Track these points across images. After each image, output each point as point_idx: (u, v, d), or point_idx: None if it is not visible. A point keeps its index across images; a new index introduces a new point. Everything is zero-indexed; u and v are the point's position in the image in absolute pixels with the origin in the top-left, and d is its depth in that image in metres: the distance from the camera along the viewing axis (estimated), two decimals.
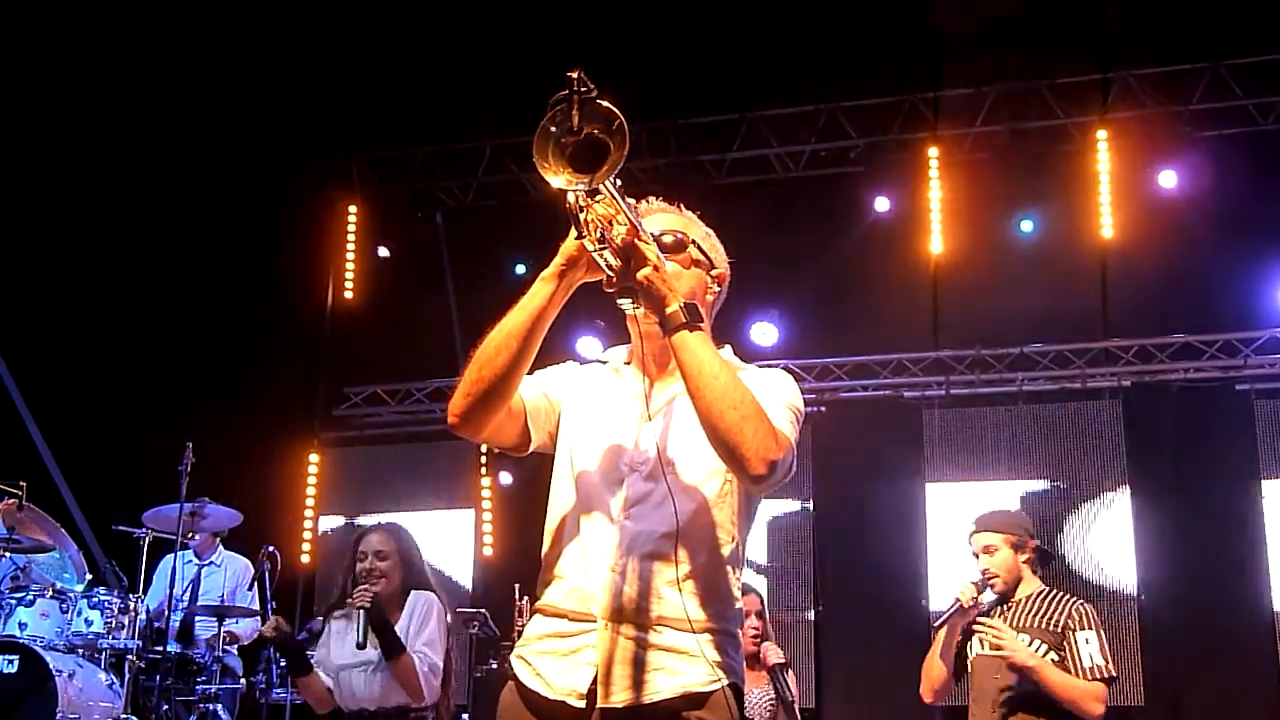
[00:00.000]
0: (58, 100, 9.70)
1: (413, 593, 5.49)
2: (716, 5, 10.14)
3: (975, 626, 5.26)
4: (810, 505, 10.60)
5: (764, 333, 10.28)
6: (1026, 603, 5.26)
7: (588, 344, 9.76)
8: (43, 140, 9.55)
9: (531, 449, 3.06)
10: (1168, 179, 10.33)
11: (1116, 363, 10.69)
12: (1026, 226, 10.82)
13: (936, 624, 5.54)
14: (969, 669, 5.35)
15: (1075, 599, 5.24)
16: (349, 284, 12.20)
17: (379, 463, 12.21)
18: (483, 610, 9.46)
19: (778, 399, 2.86)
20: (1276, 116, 10.36)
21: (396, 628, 5.27)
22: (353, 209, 12.28)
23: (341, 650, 5.31)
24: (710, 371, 2.68)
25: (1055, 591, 5.30)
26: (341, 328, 12.14)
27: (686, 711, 2.77)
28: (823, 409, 10.51)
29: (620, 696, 2.76)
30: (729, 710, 2.80)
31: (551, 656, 2.85)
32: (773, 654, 6.42)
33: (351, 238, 12.23)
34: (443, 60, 10.56)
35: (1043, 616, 5.17)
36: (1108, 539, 10.24)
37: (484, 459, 11.69)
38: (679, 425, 2.90)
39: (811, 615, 10.57)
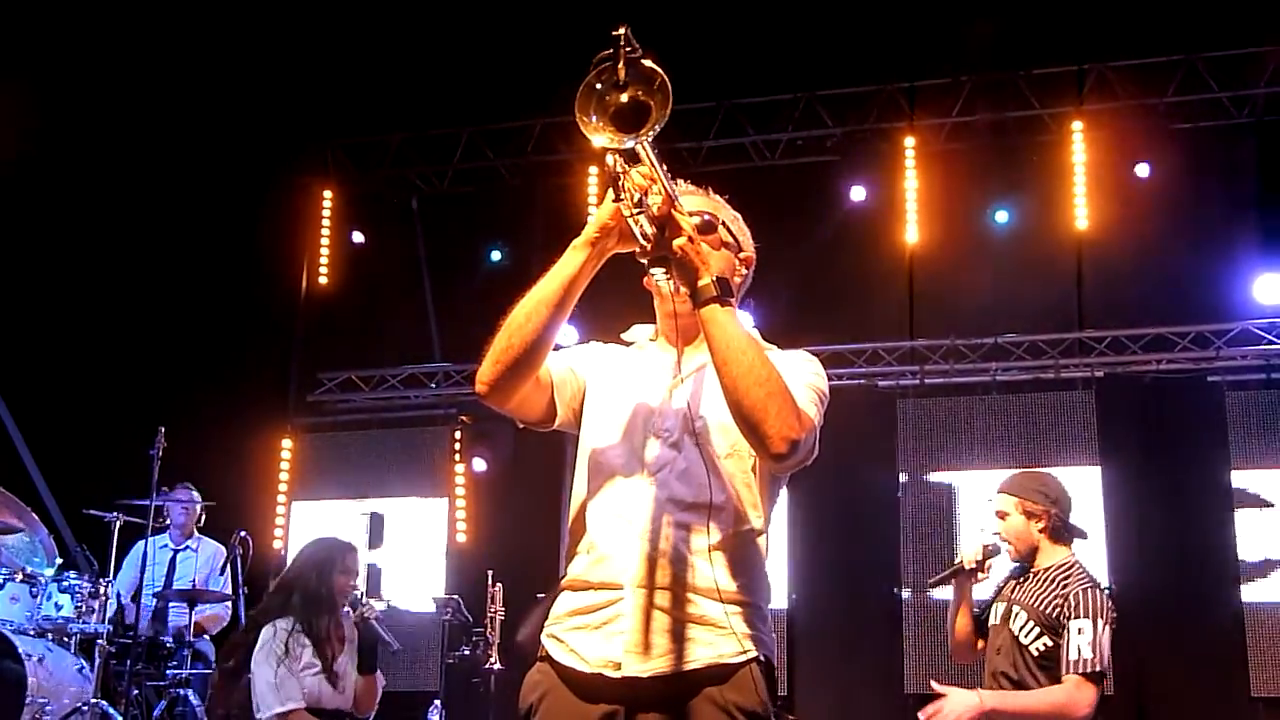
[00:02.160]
0: (23, 84, 9.62)
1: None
2: None
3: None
4: (783, 493, 10.60)
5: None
6: (1042, 576, 4.95)
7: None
8: (10, 126, 9.48)
9: (556, 424, 3.03)
10: (1142, 171, 10.37)
11: (1090, 353, 10.73)
12: (1002, 217, 10.85)
13: (931, 583, 5.39)
14: (987, 631, 5.14)
15: (1086, 582, 4.85)
16: (323, 269, 12.17)
17: (352, 448, 12.17)
18: (456, 597, 9.44)
19: (802, 380, 2.88)
20: (1251, 110, 10.43)
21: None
22: (328, 194, 12.24)
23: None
24: (738, 347, 2.68)
25: (1073, 570, 4.93)
26: (316, 313, 12.11)
27: (710, 687, 2.76)
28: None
29: (649, 665, 2.75)
30: (754, 687, 2.79)
31: (583, 631, 2.83)
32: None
33: (326, 223, 12.20)
34: (419, 46, 10.52)
35: (1045, 596, 4.86)
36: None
37: (458, 445, 11.66)
38: (708, 397, 2.89)
39: (784, 604, 10.59)
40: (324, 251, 12.17)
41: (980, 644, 5.26)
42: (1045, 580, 4.94)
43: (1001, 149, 10.87)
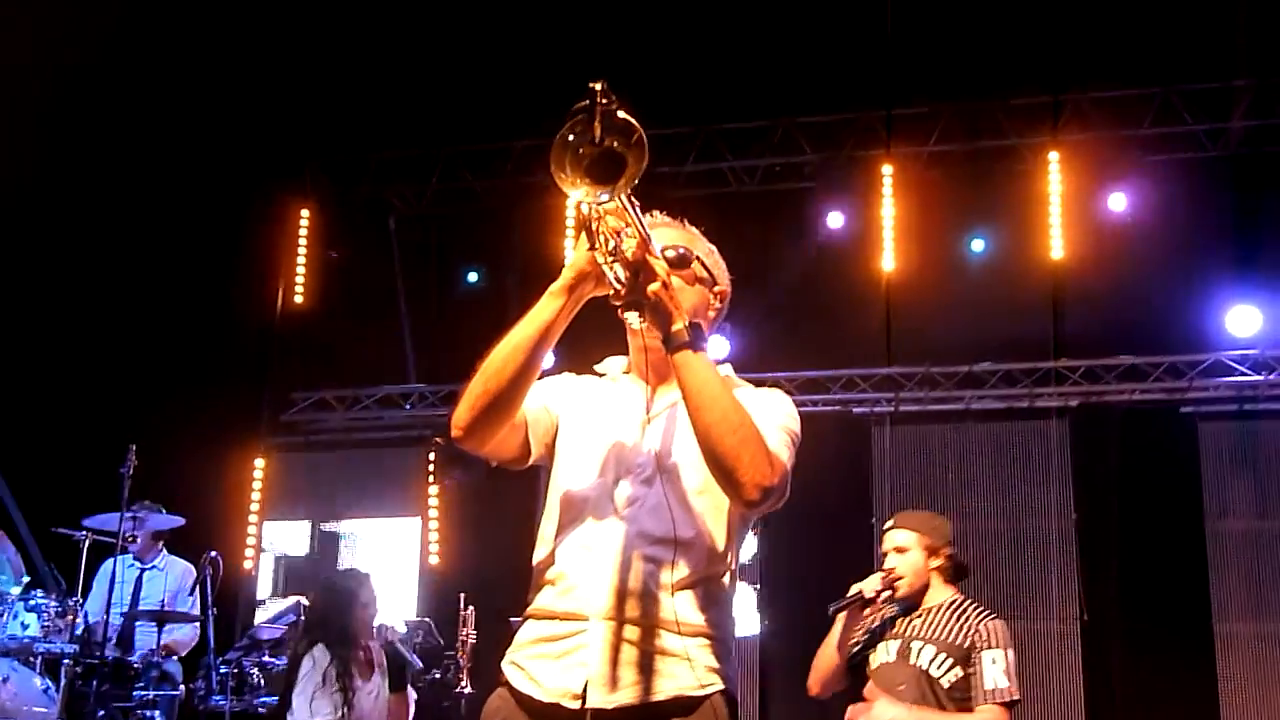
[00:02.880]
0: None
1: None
2: (671, 19, 10.14)
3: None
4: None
5: (715, 346, 10.27)
6: (936, 612, 5.02)
7: None
8: None
9: (531, 462, 3.04)
10: (1118, 202, 10.43)
11: (1064, 383, 10.77)
12: (978, 246, 10.90)
13: (832, 611, 5.27)
14: (867, 674, 5.11)
15: (987, 614, 4.95)
16: (299, 288, 12.11)
17: (325, 468, 12.12)
18: (427, 620, 9.42)
19: (775, 422, 2.88)
20: (1225, 143, 10.49)
21: None
22: (305, 212, 12.20)
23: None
24: (711, 394, 2.69)
25: (967, 603, 5.02)
26: (291, 332, 12.05)
27: (676, 717, 2.77)
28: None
29: (612, 698, 2.75)
30: (716, 718, 2.80)
31: (544, 659, 2.84)
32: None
33: (303, 242, 12.15)
34: (399, 66, 10.51)
35: (950, 629, 4.93)
36: (1052, 557, 10.29)
37: (431, 467, 11.63)
38: (678, 433, 2.90)
39: (756, 630, 10.58)
40: (300, 269, 12.12)
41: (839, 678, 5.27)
42: (944, 615, 5.00)
43: (978, 178, 10.91)
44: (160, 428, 9.30)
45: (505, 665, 2.93)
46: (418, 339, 11.84)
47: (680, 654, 2.79)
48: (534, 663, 2.86)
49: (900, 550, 5.15)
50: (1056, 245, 10.40)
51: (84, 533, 7.94)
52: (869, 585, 5.12)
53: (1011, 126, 10.79)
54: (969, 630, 4.90)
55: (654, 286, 2.70)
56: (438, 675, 9.00)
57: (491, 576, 9.87)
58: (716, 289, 3.08)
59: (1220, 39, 9.97)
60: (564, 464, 2.98)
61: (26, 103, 9.69)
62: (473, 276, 11.93)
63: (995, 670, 4.79)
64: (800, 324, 11.04)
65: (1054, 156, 10.54)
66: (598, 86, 2.52)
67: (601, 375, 3.14)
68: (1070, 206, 10.49)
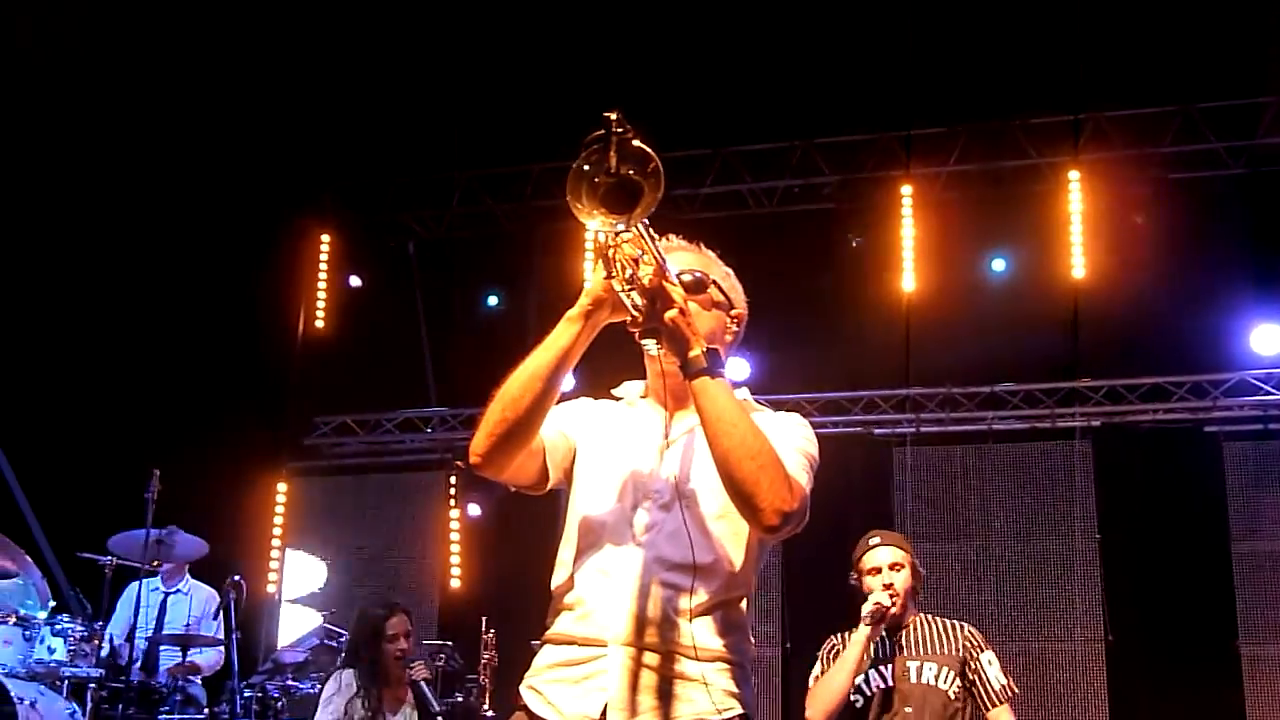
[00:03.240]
0: (18, 121, 9.66)
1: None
2: (690, 40, 10.17)
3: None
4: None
5: (736, 368, 10.29)
6: (920, 630, 5.09)
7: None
8: (5, 168, 9.51)
9: (549, 487, 3.05)
10: (1139, 220, 10.40)
11: (1086, 403, 10.73)
12: (998, 266, 10.89)
13: (866, 620, 5.05)
14: (869, 701, 5.04)
15: (961, 623, 5.13)
16: (320, 313, 12.15)
17: (347, 493, 12.15)
18: (449, 643, 9.41)
19: (794, 446, 2.88)
20: (1247, 160, 10.46)
21: None
22: (325, 238, 12.25)
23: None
24: (730, 419, 2.69)
25: (939, 618, 5.17)
26: (312, 357, 12.09)
27: None
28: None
29: None
30: None
31: (563, 684, 2.84)
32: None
33: (323, 267, 12.20)
34: (418, 91, 10.56)
35: (938, 643, 5.04)
36: (1076, 578, 10.25)
37: (453, 491, 11.64)
38: (697, 457, 2.89)
39: (779, 651, 10.55)
40: (321, 295, 12.16)
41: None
42: (929, 630, 5.11)
43: (998, 198, 10.90)
44: (183, 453, 9.34)
45: (523, 689, 2.93)
46: (438, 363, 11.87)
47: (698, 679, 2.79)
48: (552, 687, 2.86)
49: (896, 567, 5.21)
50: (1078, 264, 10.37)
51: (109, 558, 7.97)
52: (882, 599, 5.08)
53: (1032, 145, 10.78)
54: (955, 640, 5.05)
55: (671, 313, 2.71)
56: (460, 699, 9.00)
57: (513, 599, 9.87)
58: (734, 313, 3.08)
59: (1242, 56, 9.95)
60: (582, 489, 2.98)
61: (51, 133, 9.77)
62: (493, 300, 11.96)
63: (995, 670, 5.00)
64: (820, 345, 11.03)
65: (1074, 175, 10.52)
66: (613, 116, 2.54)
67: (619, 399, 3.14)
68: (1091, 225, 10.46)
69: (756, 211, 11.45)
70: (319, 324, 12.14)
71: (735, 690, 2.84)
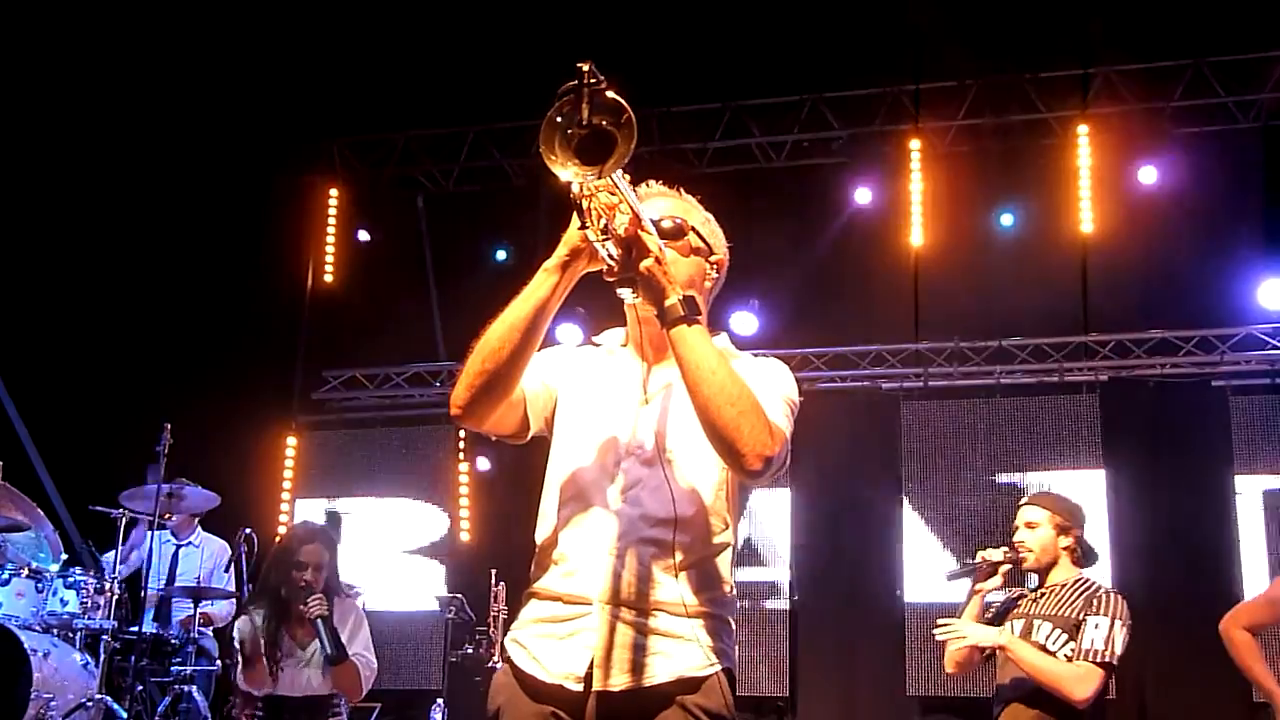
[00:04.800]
0: (31, 76, 9.65)
1: (339, 601, 5.90)
2: None
3: (937, 629, 5.21)
4: (786, 494, 10.65)
5: (743, 322, 10.30)
6: (1059, 590, 5.14)
7: (568, 331, 9.74)
8: (18, 124, 9.51)
9: (530, 436, 3.07)
10: (1148, 175, 10.37)
11: (1094, 357, 10.73)
12: (1007, 220, 10.86)
13: (949, 577, 5.48)
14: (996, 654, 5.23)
15: (1105, 588, 5.11)
16: (329, 267, 12.16)
17: (356, 447, 12.19)
18: (459, 596, 9.47)
19: (774, 391, 2.89)
20: (1257, 114, 10.42)
21: None
22: (334, 192, 12.25)
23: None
24: (708, 367, 2.69)
25: (1092, 583, 5.16)
26: (321, 311, 12.10)
27: (681, 696, 2.79)
28: (800, 399, 10.45)
29: (617, 680, 2.79)
30: (722, 695, 2.83)
31: (548, 640, 2.87)
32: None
33: (332, 221, 12.20)
34: (426, 44, 10.53)
35: (1068, 604, 5.06)
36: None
37: (461, 445, 11.68)
38: (676, 412, 2.91)
39: (786, 604, 10.61)
40: (329, 249, 12.17)
41: (976, 657, 5.33)
42: (1065, 593, 5.12)
43: (1007, 152, 10.86)
44: (194, 407, 9.38)
45: (508, 643, 2.96)
46: (447, 317, 11.88)
47: (683, 635, 2.83)
48: (538, 642, 2.89)
49: (1031, 525, 5.28)
50: (1086, 219, 10.36)
51: (120, 511, 8.02)
52: (992, 554, 5.27)
53: (1041, 100, 10.74)
54: (1084, 600, 5.04)
55: (646, 263, 2.71)
56: (470, 650, 9.08)
57: (521, 553, 9.89)
58: (714, 258, 3.07)
59: (1252, 9, 9.89)
60: (563, 443, 3.00)
61: (62, 88, 9.77)
62: (501, 254, 11.95)
63: (1096, 633, 4.93)
64: (829, 300, 11.04)
65: (1084, 130, 10.49)
66: (585, 67, 2.53)
67: (598, 346, 3.14)
68: (1100, 180, 10.44)
69: (765, 166, 11.42)
70: (328, 278, 12.15)
71: (718, 644, 2.87)
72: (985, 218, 10.87)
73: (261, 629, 5.76)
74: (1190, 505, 10.04)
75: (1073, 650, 4.95)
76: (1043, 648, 5.00)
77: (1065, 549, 5.22)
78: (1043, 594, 5.18)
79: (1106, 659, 4.89)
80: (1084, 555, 5.28)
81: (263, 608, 5.87)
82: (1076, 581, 5.15)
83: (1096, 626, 4.92)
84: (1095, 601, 5.00)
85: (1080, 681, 4.86)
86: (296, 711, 5.58)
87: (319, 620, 5.55)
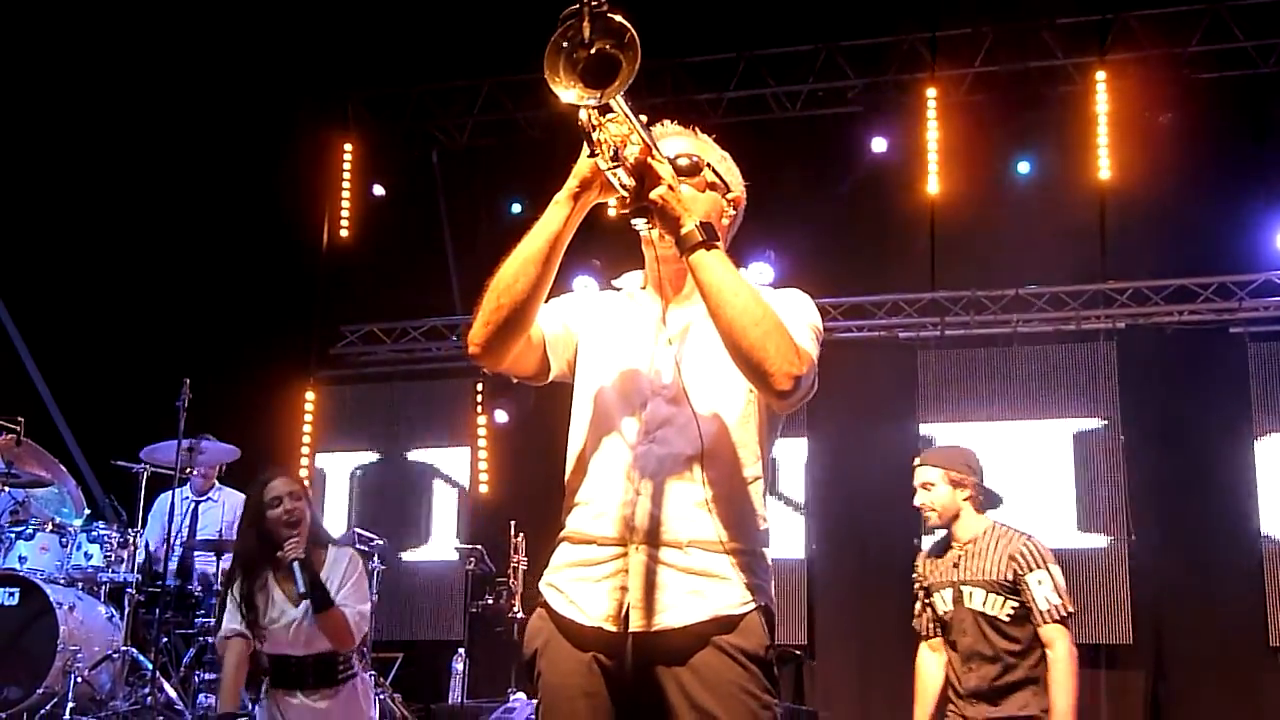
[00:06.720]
0: (45, 40, 9.65)
1: (332, 549, 5.59)
2: None
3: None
4: (803, 444, 10.68)
5: (759, 272, 10.28)
6: (974, 546, 5.17)
7: (583, 283, 9.74)
8: (34, 82, 9.51)
9: (551, 378, 3.06)
10: (1166, 121, 10.30)
11: (1111, 305, 10.71)
12: (1024, 168, 10.81)
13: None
14: (946, 625, 5.26)
15: (1020, 537, 5.12)
16: (344, 222, 12.16)
17: (374, 400, 12.24)
18: (479, 547, 9.56)
19: (799, 317, 2.85)
20: (1276, 59, 10.33)
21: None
22: (348, 147, 12.23)
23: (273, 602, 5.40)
24: (731, 289, 2.66)
25: (998, 530, 5.18)
26: (337, 266, 12.11)
27: (718, 636, 2.78)
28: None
29: (654, 620, 2.78)
30: (760, 633, 2.82)
31: (583, 583, 2.86)
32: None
33: (347, 176, 12.20)
34: None
35: (991, 563, 5.08)
36: (1099, 479, 10.29)
37: (480, 397, 11.71)
38: (699, 347, 2.89)
39: (802, 554, 10.65)
40: (345, 204, 12.17)
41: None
42: (981, 551, 5.15)
43: (1023, 99, 10.79)
44: (213, 362, 9.44)
45: (543, 587, 2.95)
46: (463, 271, 11.89)
47: (718, 573, 2.80)
48: (574, 586, 2.87)
49: (927, 486, 5.30)
50: (1104, 166, 10.30)
51: (142, 465, 8.09)
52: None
53: (1058, 46, 10.66)
54: (1007, 559, 5.06)
55: (659, 191, 2.68)
56: (490, 601, 9.16)
57: (540, 504, 9.95)
58: (730, 196, 3.04)
59: None
60: (586, 386, 2.98)
61: (83, 44, 9.77)
62: (516, 207, 11.93)
63: (1044, 590, 4.98)
64: (845, 249, 11.01)
65: (1101, 76, 10.41)
66: None
67: (619, 290, 3.13)
68: (1118, 127, 10.37)
69: (780, 115, 11.38)
70: (344, 233, 12.15)
71: (754, 581, 2.84)
72: (1002, 166, 10.82)
73: (241, 588, 5.40)
74: (1208, 453, 10.03)
75: (1014, 609, 5.01)
76: (980, 614, 5.05)
77: (966, 499, 5.23)
78: (959, 555, 5.20)
79: (1066, 610, 4.99)
80: (986, 500, 5.30)
81: (250, 568, 5.47)
82: (987, 533, 5.18)
83: (1040, 583, 4.98)
84: (1021, 557, 5.03)
85: (1070, 655, 4.97)
86: (303, 670, 5.45)
87: (295, 563, 5.21)
